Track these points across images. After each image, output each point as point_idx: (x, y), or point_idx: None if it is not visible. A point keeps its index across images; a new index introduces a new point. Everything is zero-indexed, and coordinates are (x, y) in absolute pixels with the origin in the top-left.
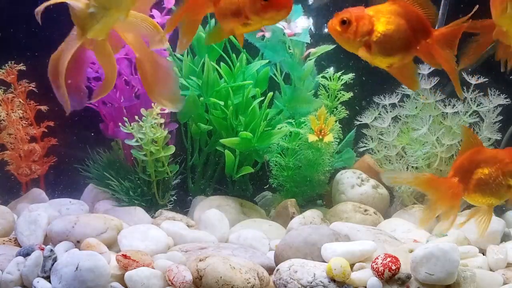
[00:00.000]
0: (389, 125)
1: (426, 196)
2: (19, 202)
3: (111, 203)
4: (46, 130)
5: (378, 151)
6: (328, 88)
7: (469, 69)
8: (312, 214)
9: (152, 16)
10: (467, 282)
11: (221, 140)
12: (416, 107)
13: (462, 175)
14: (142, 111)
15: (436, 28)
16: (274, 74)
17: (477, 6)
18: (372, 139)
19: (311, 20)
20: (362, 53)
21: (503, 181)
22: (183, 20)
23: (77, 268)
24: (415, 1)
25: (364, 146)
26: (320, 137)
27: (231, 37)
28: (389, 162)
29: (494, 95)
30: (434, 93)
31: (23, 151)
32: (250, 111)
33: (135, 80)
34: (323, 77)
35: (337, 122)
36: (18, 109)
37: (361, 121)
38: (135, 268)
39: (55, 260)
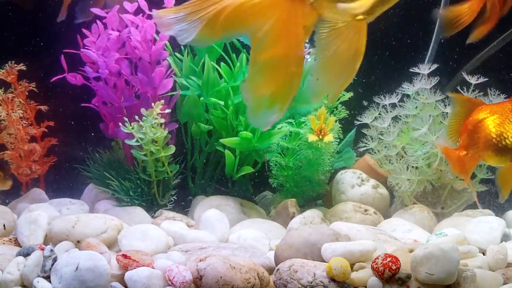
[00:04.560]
0: (389, 125)
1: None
2: (19, 202)
3: (111, 203)
4: (46, 130)
5: (378, 151)
6: None
7: (470, 69)
8: (312, 214)
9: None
10: (467, 282)
11: (221, 140)
12: (416, 107)
13: (470, 140)
14: (142, 111)
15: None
16: None
17: None
18: (372, 139)
19: None
20: None
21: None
22: None
23: (77, 268)
24: None
25: (364, 146)
26: (320, 137)
27: None
28: (389, 162)
29: (494, 95)
30: (434, 93)
31: (23, 151)
32: None
33: (135, 80)
34: None
35: (337, 122)
36: (18, 109)
37: (361, 121)
38: (135, 268)
39: (55, 260)
